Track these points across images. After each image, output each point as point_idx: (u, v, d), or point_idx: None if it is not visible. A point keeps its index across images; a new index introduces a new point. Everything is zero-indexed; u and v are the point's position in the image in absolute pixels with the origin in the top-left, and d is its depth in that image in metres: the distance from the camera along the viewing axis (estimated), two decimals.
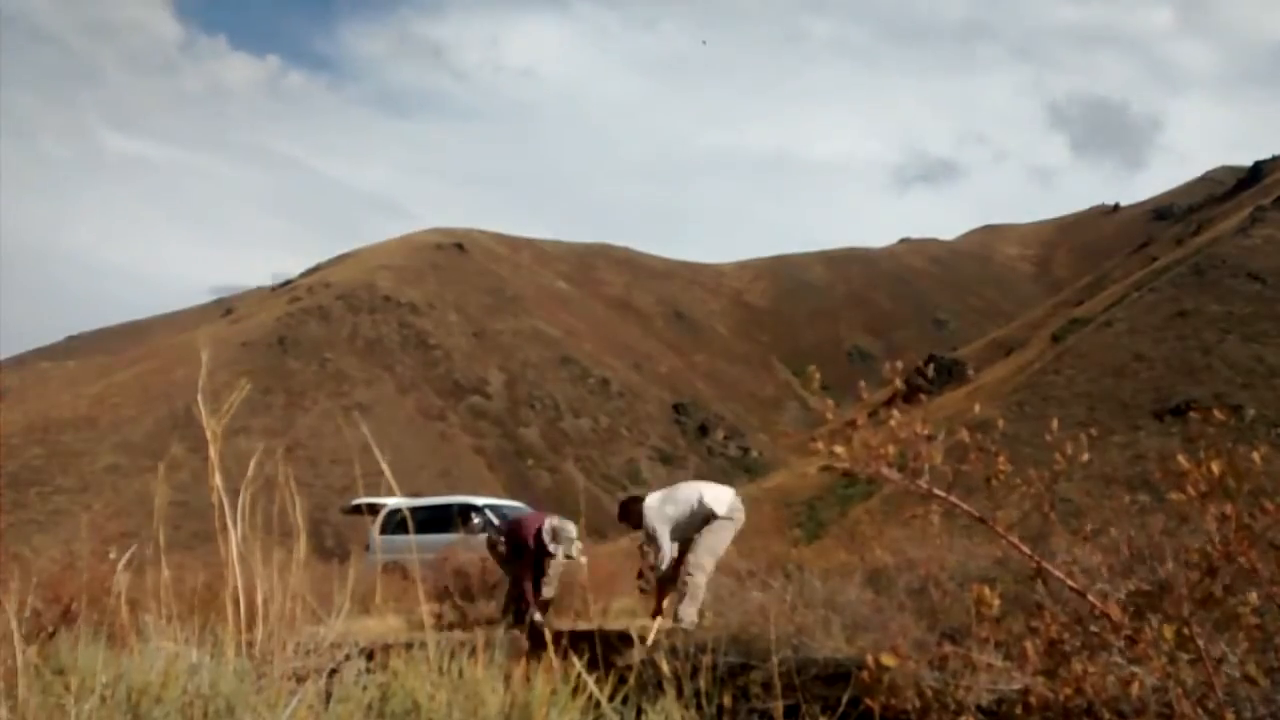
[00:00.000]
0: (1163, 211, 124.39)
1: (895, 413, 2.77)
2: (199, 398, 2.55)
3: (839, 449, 2.76)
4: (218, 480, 2.44)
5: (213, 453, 2.42)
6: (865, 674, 2.89)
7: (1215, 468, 2.56)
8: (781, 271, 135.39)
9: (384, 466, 2.46)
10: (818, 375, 3.64)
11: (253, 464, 2.62)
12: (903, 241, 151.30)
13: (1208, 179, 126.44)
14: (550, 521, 8.96)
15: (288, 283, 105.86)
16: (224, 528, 2.48)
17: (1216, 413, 2.85)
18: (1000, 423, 4.64)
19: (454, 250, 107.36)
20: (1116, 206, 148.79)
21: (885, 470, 2.75)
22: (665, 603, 7.43)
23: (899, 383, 3.06)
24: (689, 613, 7.04)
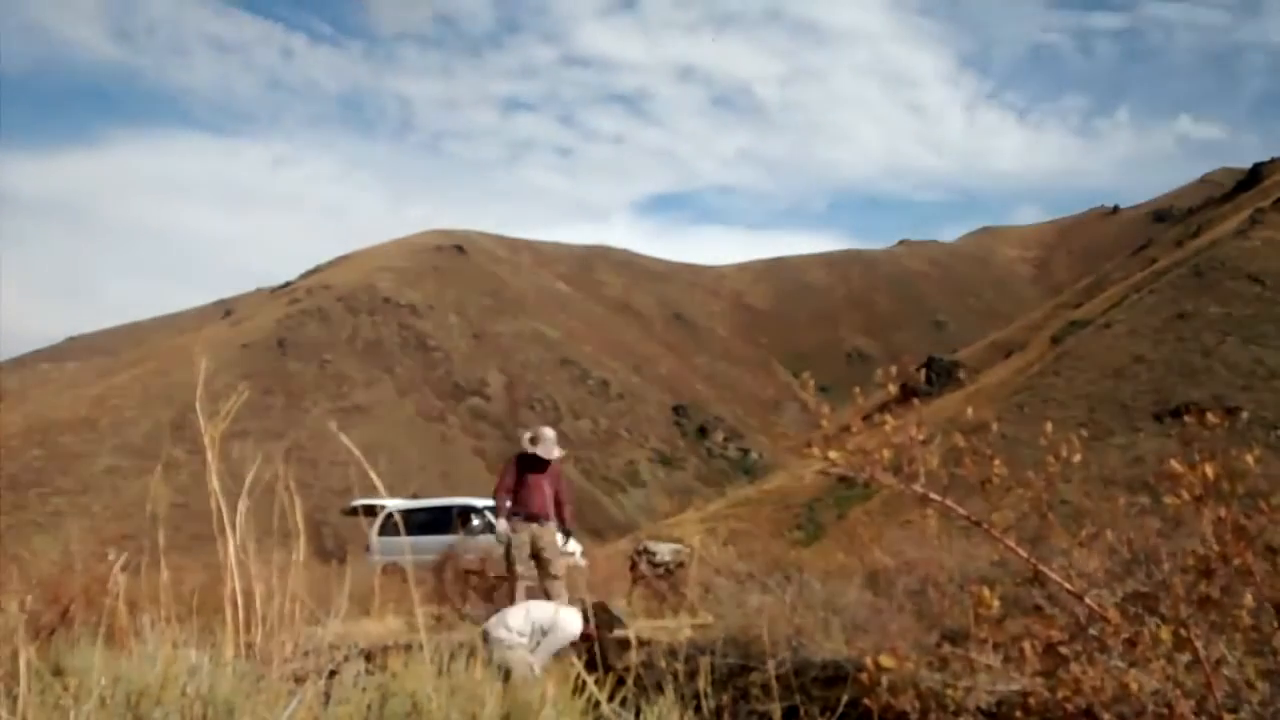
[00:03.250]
0: (1162, 213, 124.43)
1: (889, 417, 2.77)
2: (197, 406, 2.55)
3: (833, 453, 2.77)
4: (215, 485, 2.45)
5: (210, 458, 2.43)
6: (864, 675, 2.90)
7: (1209, 470, 2.56)
8: (781, 273, 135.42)
9: (372, 474, 2.46)
10: (812, 383, 3.61)
11: (253, 471, 2.62)
12: (902, 243, 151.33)
13: (1207, 181, 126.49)
14: None
15: (287, 284, 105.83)
16: (222, 531, 2.49)
17: (1210, 415, 2.86)
18: (995, 425, 4.60)
19: (454, 252, 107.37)
20: (1116, 208, 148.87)
21: (880, 474, 2.75)
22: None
23: (892, 387, 3.06)
24: None
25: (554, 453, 8.84)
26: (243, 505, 2.55)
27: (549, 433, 8.99)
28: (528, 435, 9.02)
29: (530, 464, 8.79)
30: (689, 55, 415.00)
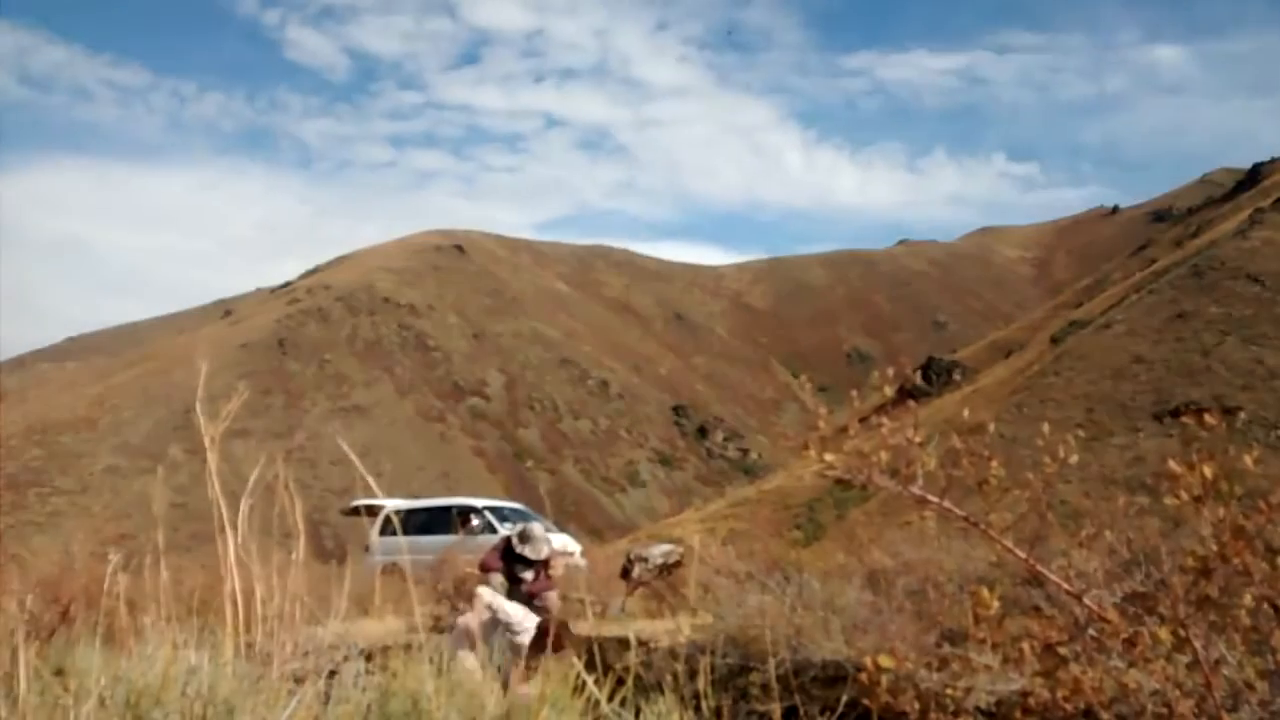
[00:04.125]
0: (1162, 213, 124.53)
1: (885, 419, 2.78)
2: (197, 407, 2.55)
3: (830, 456, 2.77)
4: (216, 487, 2.45)
5: (210, 460, 2.43)
6: (864, 676, 2.90)
7: (1209, 471, 2.56)
8: (781, 273, 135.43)
9: (368, 477, 2.46)
10: (809, 384, 3.63)
11: (254, 474, 2.62)
12: (902, 243, 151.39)
13: (1207, 181, 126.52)
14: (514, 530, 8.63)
15: (287, 284, 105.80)
16: (222, 530, 2.49)
17: (1208, 416, 2.86)
18: (993, 426, 4.63)
19: (454, 252, 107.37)
20: (1115, 208, 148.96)
21: (878, 477, 2.75)
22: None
23: (888, 390, 3.06)
24: None
25: (543, 551, 8.18)
26: (244, 505, 2.55)
27: (538, 529, 8.39)
28: (517, 530, 8.51)
29: (520, 560, 8.21)
30: (543, 103, 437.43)
